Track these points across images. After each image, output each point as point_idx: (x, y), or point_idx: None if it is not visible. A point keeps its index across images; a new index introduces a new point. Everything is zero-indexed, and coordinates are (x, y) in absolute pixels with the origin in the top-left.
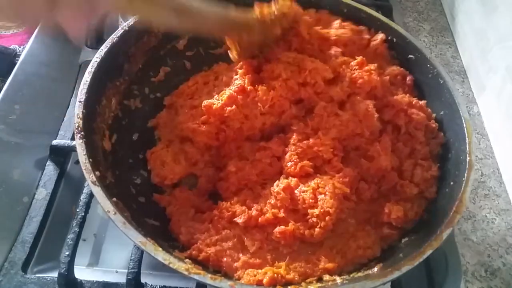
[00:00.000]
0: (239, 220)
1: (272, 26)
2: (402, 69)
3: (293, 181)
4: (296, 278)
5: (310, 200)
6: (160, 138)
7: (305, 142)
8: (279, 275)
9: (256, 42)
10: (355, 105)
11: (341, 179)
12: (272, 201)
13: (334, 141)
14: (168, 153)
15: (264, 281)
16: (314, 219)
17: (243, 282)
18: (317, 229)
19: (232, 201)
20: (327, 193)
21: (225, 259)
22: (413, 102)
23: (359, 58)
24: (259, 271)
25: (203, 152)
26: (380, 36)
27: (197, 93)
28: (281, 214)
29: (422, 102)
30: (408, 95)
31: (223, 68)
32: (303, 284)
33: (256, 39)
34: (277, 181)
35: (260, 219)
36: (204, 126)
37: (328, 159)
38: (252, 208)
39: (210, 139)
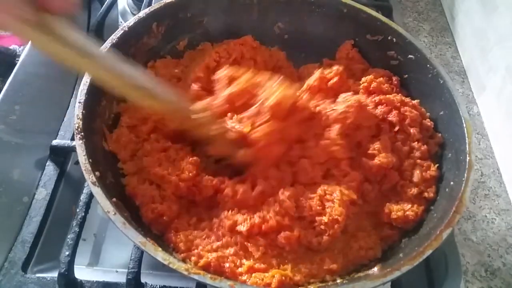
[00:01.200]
0: (242, 228)
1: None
2: (386, 71)
3: (299, 188)
4: (302, 280)
5: (318, 207)
6: (124, 162)
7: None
8: (288, 277)
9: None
10: (347, 100)
11: (348, 184)
12: (277, 208)
13: (342, 137)
14: (153, 188)
15: (273, 285)
16: (322, 227)
17: (248, 283)
18: (325, 237)
19: (233, 211)
20: (335, 200)
21: (227, 264)
22: (406, 101)
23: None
24: (266, 274)
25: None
26: (349, 42)
27: (160, 122)
28: (286, 221)
29: (415, 101)
30: (400, 94)
31: (182, 86)
32: (304, 284)
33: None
34: (282, 189)
35: (263, 226)
36: (175, 177)
37: (340, 159)
38: (255, 216)
39: (185, 193)
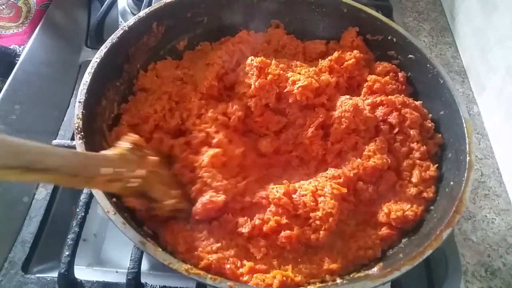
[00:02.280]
0: (244, 230)
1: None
2: (393, 66)
3: (291, 186)
4: (303, 280)
5: (311, 203)
6: None
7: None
8: (289, 278)
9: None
10: (344, 104)
11: (336, 180)
12: (273, 208)
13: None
14: None
15: (274, 285)
16: (318, 222)
17: (250, 284)
18: (322, 232)
19: (233, 213)
20: (326, 194)
21: (228, 266)
22: (408, 102)
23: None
24: (267, 275)
25: None
26: (354, 29)
27: (161, 121)
28: (284, 220)
29: (418, 103)
30: (403, 95)
31: (189, 90)
32: (304, 284)
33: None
34: (276, 187)
35: (264, 228)
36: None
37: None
38: (255, 218)
39: None
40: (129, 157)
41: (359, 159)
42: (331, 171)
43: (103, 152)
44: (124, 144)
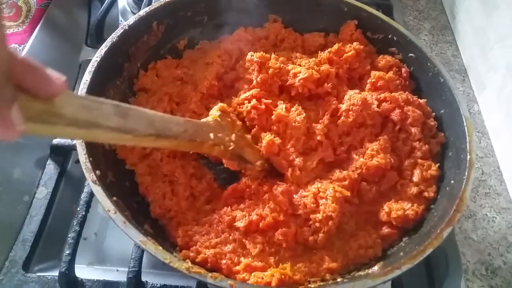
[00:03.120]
0: (240, 224)
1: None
2: (397, 60)
3: (292, 186)
4: (302, 279)
5: (312, 205)
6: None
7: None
8: (287, 276)
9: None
10: (353, 98)
11: (341, 182)
12: (272, 205)
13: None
14: (166, 186)
15: (273, 283)
16: (317, 224)
17: (249, 282)
18: (321, 235)
19: (232, 207)
20: (328, 197)
21: (224, 261)
22: (412, 100)
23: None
24: (266, 273)
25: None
26: (352, 22)
27: None
28: (281, 217)
29: (422, 101)
30: (407, 92)
31: (190, 90)
32: (304, 283)
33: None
34: (275, 185)
35: (261, 224)
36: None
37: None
38: (252, 213)
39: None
40: (222, 123)
41: (362, 158)
42: (336, 173)
43: (204, 119)
44: (214, 112)
